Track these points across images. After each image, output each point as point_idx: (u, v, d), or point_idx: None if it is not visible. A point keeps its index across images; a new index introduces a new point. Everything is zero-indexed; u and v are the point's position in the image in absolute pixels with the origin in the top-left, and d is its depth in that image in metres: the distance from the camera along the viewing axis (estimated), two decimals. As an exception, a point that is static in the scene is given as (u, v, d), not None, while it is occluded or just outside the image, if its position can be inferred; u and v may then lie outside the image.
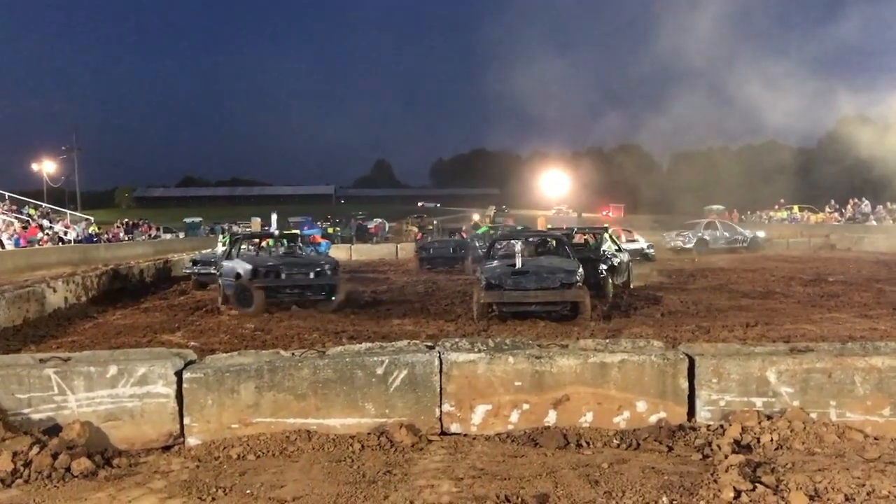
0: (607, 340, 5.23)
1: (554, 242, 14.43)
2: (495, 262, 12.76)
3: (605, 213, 74.42)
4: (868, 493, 3.65)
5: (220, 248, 20.13)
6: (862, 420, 4.67)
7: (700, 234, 30.53)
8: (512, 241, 14.76)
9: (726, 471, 3.91)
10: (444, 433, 4.79)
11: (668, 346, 5.15)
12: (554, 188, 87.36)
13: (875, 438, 4.52)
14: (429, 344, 5.16)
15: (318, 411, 4.72)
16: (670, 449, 4.49)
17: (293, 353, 5.04)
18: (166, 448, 4.69)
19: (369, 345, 5.22)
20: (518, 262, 11.85)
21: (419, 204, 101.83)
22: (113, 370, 4.67)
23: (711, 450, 4.39)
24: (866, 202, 42.77)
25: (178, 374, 4.71)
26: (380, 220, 53.73)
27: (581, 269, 11.82)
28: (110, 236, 38.95)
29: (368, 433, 4.67)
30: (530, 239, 14.72)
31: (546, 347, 5.00)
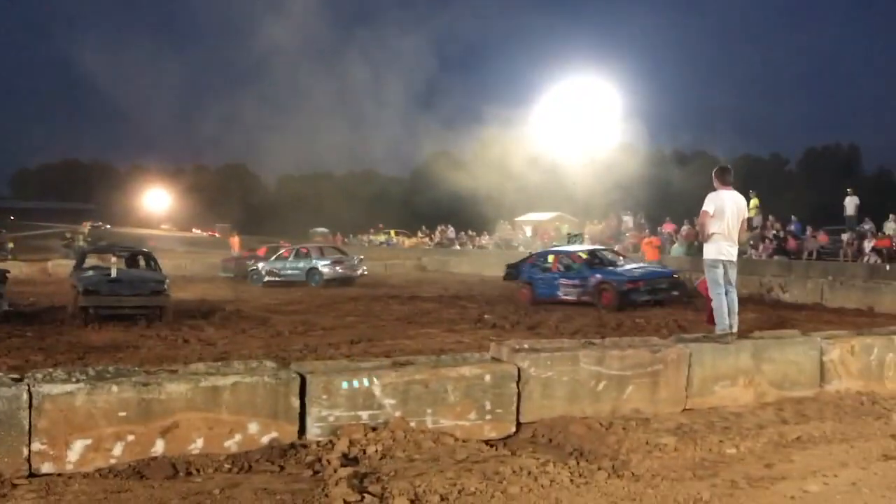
0: (220, 364, 5.12)
1: (143, 258, 16.58)
2: (91, 272, 14.38)
3: (210, 233, 73.22)
4: (459, 492, 4.04)
5: None
6: (453, 425, 5.16)
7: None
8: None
9: (336, 484, 4.05)
10: (33, 475, 4.26)
11: (281, 366, 5.20)
12: (157, 204, 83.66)
13: (464, 441, 5.02)
14: (15, 376, 4.57)
15: None
16: (282, 468, 4.52)
17: None
18: None
19: (-63, 380, 4.46)
20: (113, 272, 13.97)
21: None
22: None
23: (322, 465, 4.50)
24: (452, 229, 47.75)
25: None
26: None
27: (168, 280, 14.44)
28: None
29: (-66, 484, 3.99)
30: (122, 254, 17.10)
31: (154, 374, 4.74)
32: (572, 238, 23.27)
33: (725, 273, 7.59)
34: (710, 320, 8.83)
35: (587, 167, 39.95)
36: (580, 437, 5.22)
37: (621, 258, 19.65)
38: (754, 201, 27.05)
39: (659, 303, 16.02)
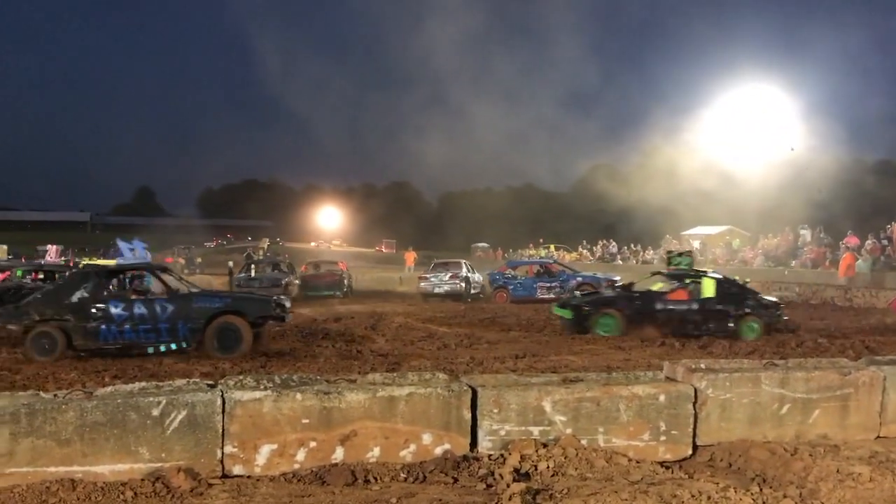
0: (395, 374, 5.27)
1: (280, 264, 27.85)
2: (243, 275, 25.18)
3: (378, 248, 75.84)
4: (635, 513, 3.94)
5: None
6: (626, 445, 5.05)
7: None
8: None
9: (509, 499, 4.06)
10: (225, 476, 4.56)
11: (453, 378, 5.28)
12: (328, 222, 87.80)
13: (637, 462, 4.89)
14: (210, 382, 4.92)
15: (84, 458, 4.31)
16: (455, 480, 4.58)
17: (55, 395, 4.59)
18: None
19: (144, 384, 4.87)
20: (252, 273, 25.59)
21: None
22: None
23: (494, 479, 4.53)
24: (613, 243, 46.85)
25: (-86, 421, 4.14)
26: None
27: (288, 278, 25.26)
28: None
29: (142, 479, 4.34)
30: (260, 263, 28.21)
31: (334, 383, 4.95)
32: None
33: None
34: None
35: (762, 178, 38.00)
36: (762, 463, 4.96)
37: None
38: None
39: None
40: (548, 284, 23.46)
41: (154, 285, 11.70)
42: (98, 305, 10.88)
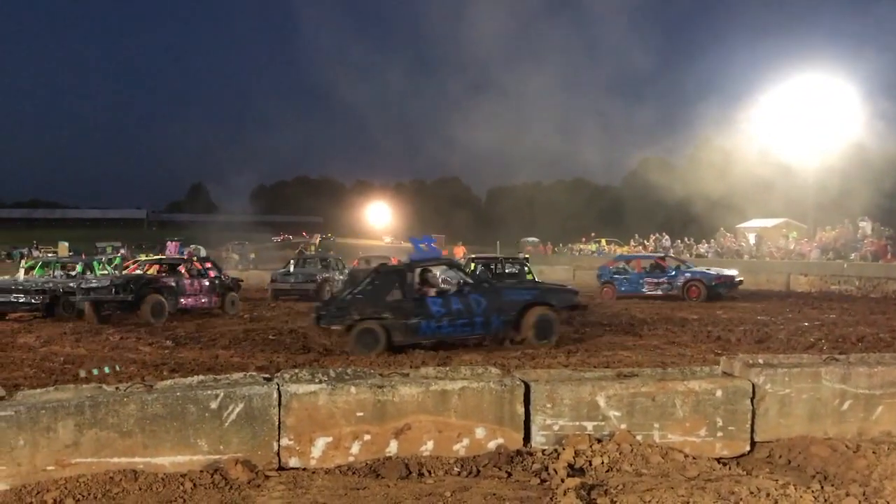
0: (447, 368, 5.28)
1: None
2: (281, 270, 24.45)
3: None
4: (693, 510, 3.88)
5: (21, 275, 18.60)
6: (682, 440, 4.98)
7: None
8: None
9: (564, 494, 4.04)
10: (282, 468, 4.62)
11: (505, 372, 5.27)
12: (378, 218, 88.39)
13: (694, 458, 4.82)
14: (266, 376, 4.99)
15: (145, 449, 4.41)
16: (509, 475, 4.57)
17: (117, 388, 4.70)
18: (-33, 497, 4.22)
19: (202, 377, 4.96)
20: (291, 269, 24.05)
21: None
22: None
23: (548, 474, 4.51)
24: (666, 237, 46.22)
25: (-16, 412, 4.28)
26: (194, 247, 51.57)
27: (322, 274, 23.53)
28: None
29: (201, 471, 4.42)
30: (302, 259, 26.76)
31: (388, 377, 4.98)
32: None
33: None
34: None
35: (820, 170, 37.05)
36: (823, 460, 4.85)
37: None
38: None
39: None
40: (656, 280, 22.37)
41: (454, 279, 12.03)
42: (417, 302, 11.20)
